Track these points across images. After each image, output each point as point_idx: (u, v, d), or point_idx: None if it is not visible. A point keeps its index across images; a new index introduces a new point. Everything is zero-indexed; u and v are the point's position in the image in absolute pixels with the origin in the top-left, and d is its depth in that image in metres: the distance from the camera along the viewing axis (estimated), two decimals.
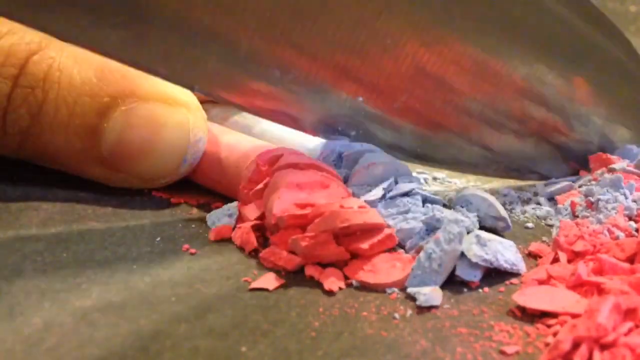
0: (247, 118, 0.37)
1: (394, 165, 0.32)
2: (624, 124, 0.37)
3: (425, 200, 0.31)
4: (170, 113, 0.31)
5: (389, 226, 0.28)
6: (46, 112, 0.30)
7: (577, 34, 0.33)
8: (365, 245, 0.26)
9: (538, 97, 0.34)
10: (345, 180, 0.31)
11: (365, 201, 0.30)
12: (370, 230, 0.27)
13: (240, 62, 0.30)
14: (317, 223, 0.26)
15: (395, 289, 0.25)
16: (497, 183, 0.39)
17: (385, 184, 0.31)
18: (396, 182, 0.31)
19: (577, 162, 0.37)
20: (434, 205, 0.30)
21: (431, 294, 0.24)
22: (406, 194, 0.31)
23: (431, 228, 0.28)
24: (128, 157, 0.31)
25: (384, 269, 0.26)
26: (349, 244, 0.26)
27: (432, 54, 0.31)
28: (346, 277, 0.26)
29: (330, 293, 0.25)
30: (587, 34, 0.34)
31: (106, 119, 0.30)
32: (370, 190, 0.31)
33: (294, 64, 0.30)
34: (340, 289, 0.25)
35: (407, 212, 0.29)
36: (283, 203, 0.26)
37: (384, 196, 0.30)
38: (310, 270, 0.26)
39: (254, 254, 0.28)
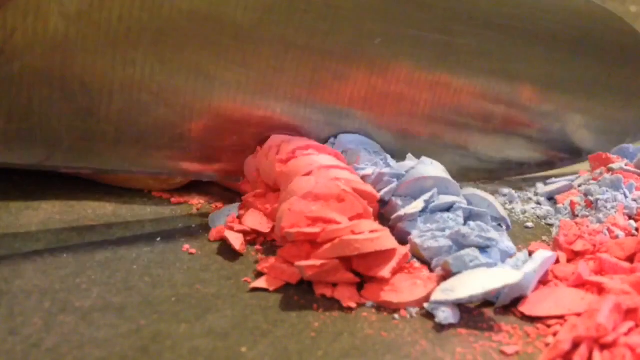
0: None
1: (444, 182, 0.31)
2: (577, 110, 0.39)
3: (470, 214, 0.30)
4: None
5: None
6: None
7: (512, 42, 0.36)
8: (386, 274, 0.25)
9: (495, 98, 0.37)
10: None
11: (405, 214, 0.29)
12: (383, 253, 0.26)
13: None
14: (327, 250, 0.25)
15: (417, 308, 0.25)
16: (497, 183, 0.40)
17: (426, 196, 0.30)
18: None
19: (548, 149, 0.40)
20: (477, 222, 0.28)
21: (450, 312, 0.24)
22: (448, 209, 0.30)
23: (460, 245, 0.27)
24: None
25: (405, 288, 0.25)
26: (364, 268, 0.25)
27: (384, 78, 0.34)
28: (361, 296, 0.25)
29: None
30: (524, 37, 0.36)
31: None
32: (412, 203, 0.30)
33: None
34: (357, 305, 0.25)
35: (444, 229, 0.28)
36: (293, 216, 0.26)
37: (425, 209, 0.30)
38: (320, 289, 0.25)
39: (254, 254, 0.28)
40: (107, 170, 0.31)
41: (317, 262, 0.25)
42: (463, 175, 0.38)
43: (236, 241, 0.28)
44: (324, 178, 0.28)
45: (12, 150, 0.29)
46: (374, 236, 0.25)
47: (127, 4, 0.28)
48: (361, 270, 0.25)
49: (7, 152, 0.28)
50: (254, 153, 0.32)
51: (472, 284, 0.24)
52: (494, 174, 0.40)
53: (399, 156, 0.35)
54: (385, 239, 0.25)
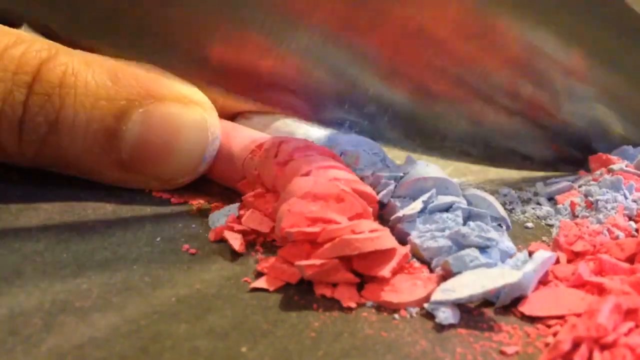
0: (288, 125, 0.37)
1: (443, 182, 0.31)
2: (613, 107, 0.37)
3: (470, 214, 0.30)
4: (187, 112, 0.31)
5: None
6: (64, 118, 0.30)
7: (583, 5, 0.32)
8: (386, 273, 0.25)
9: (532, 73, 0.34)
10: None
11: (403, 215, 0.29)
12: (383, 253, 0.26)
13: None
14: (327, 249, 0.25)
15: (417, 308, 0.25)
16: (497, 182, 0.39)
17: (425, 197, 0.30)
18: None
19: (559, 145, 0.38)
20: (477, 222, 0.28)
21: (450, 312, 0.24)
22: (447, 209, 0.30)
23: (459, 245, 0.27)
24: (148, 159, 0.31)
25: (405, 288, 0.25)
26: (364, 268, 0.25)
27: (433, 15, 0.30)
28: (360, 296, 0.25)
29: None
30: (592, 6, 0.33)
31: (124, 122, 0.30)
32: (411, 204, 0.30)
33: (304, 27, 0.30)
34: (357, 305, 0.25)
35: (444, 229, 0.28)
36: (293, 216, 0.26)
37: (424, 209, 0.30)
38: (320, 290, 0.25)
39: (254, 254, 0.28)
40: (123, 56, 0.30)
41: (317, 262, 0.25)
42: (464, 154, 0.37)
43: (235, 241, 0.28)
44: (323, 178, 0.28)
45: (41, 8, 0.28)
46: (374, 235, 0.25)
47: None
48: (361, 270, 0.25)
49: (35, 8, 0.27)
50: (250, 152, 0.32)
51: (472, 283, 0.24)
52: (494, 162, 0.38)
53: (410, 124, 0.33)
54: (385, 238, 0.25)
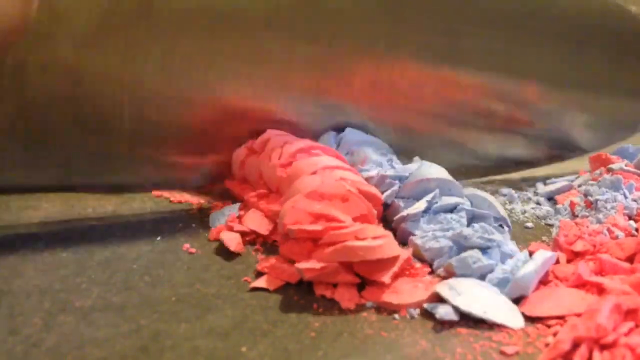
0: None
1: (447, 183, 0.31)
2: (581, 108, 0.40)
3: (473, 215, 0.30)
4: None
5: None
6: None
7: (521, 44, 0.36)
8: (387, 279, 0.25)
9: (499, 95, 0.37)
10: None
11: (407, 215, 0.29)
12: (385, 260, 0.25)
13: None
14: (328, 253, 0.25)
15: (418, 309, 0.25)
16: (497, 182, 0.40)
17: (429, 197, 0.30)
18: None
19: (549, 147, 0.40)
20: (481, 224, 0.28)
21: (450, 308, 0.24)
22: (451, 210, 0.30)
23: (460, 246, 0.27)
24: None
25: (406, 290, 0.25)
26: (365, 272, 0.25)
27: (389, 75, 0.34)
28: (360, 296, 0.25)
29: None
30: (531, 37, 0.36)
31: None
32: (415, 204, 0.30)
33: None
34: (356, 305, 0.25)
35: (448, 230, 0.28)
36: (296, 213, 0.26)
37: (428, 209, 0.30)
38: (320, 290, 0.25)
39: (254, 254, 0.28)
40: (123, 187, 0.32)
41: (317, 265, 0.24)
42: (459, 172, 0.38)
43: (232, 242, 0.28)
44: (330, 178, 0.28)
45: (31, 174, 0.29)
46: (376, 243, 0.25)
47: (133, 25, 0.29)
48: (362, 273, 0.25)
49: (26, 176, 0.29)
50: (242, 147, 0.33)
51: (476, 300, 0.24)
52: (490, 172, 0.40)
53: (400, 152, 0.35)
54: (388, 247, 0.25)
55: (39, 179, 0.29)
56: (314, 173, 0.28)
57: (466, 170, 0.39)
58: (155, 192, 0.34)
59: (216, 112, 0.31)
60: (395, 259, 0.25)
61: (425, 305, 0.24)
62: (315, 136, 0.34)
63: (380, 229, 0.26)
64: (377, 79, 0.34)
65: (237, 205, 0.31)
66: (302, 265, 0.25)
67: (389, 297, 0.25)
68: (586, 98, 0.39)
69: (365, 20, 0.32)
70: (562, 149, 0.41)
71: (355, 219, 0.26)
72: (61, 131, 0.29)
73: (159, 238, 0.29)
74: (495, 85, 0.36)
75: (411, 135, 0.36)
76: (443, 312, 0.24)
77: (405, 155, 0.35)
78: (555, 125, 0.39)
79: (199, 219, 0.31)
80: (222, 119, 0.32)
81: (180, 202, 0.33)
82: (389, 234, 0.26)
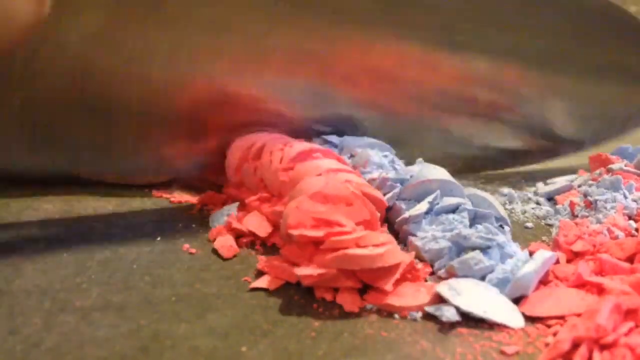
0: None
1: (448, 184, 0.31)
2: (559, 97, 0.40)
3: (475, 215, 0.30)
4: None
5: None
6: None
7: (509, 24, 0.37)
8: (389, 287, 0.25)
9: (480, 81, 0.38)
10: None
11: (409, 216, 0.29)
12: (387, 267, 0.25)
13: None
14: (329, 260, 0.25)
15: (420, 312, 0.24)
16: (497, 182, 0.40)
17: (430, 198, 0.30)
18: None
19: (525, 136, 0.41)
20: (484, 224, 0.28)
21: (453, 310, 0.24)
22: (453, 210, 0.30)
23: (460, 247, 0.27)
24: None
25: (408, 294, 0.25)
26: (367, 278, 0.25)
27: (373, 58, 0.34)
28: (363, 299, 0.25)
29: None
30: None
31: None
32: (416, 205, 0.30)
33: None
34: (359, 308, 0.25)
35: (451, 230, 0.28)
36: (300, 214, 0.26)
37: (430, 210, 0.30)
38: (320, 293, 0.25)
39: (254, 253, 0.28)
40: (127, 178, 0.32)
41: (316, 272, 0.24)
42: (445, 162, 0.38)
43: (224, 249, 0.28)
44: (334, 180, 0.28)
45: (38, 161, 0.29)
46: (377, 252, 0.25)
47: (141, 21, 0.29)
48: (364, 279, 0.25)
49: (33, 162, 0.29)
50: (234, 153, 0.33)
51: (476, 300, 0.24)
52: (475, 163, 0.41)
53: (387, 139, 0.36)
54: (389, 255, 0.25)
55: (45, 168, 0.29)
56: (319, 176, 0.28)
57: (451, 160, 0.39)
58: (155, 192, 0.34)
59: (216, 100, 0.32)
60: (397, 266, 0.25)
61: (427, 308, 0.24)
62: (302, 127, 0.34)
63: (382, 236, 0.26)
64: (364, 64, 0.34)
65: (237, 205, 0.31)
66: (301, 271, 0.25)
67: (391, 299, 0.25)
68: (565, 86, 0.40)
69: (351, 3, 0.33)
70: (546, 139, 0.41)
71: (358, 224, 0.26)
72: (69, 122, 0.30)
73: (159, 238, 0.29)
74: (478, 71, 0.37)
75: (397, 122, 0.37)
76: (448, 314, 0.24)
77: (392, 143, 0.36)
78: (536, 112, 0.40)
79: (199, 219, 0.31)
80: (220, 107, 0.32)
81: (180, 202, 0.33)
82: (392, 240, 0.26)
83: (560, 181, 0.38)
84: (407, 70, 0.36)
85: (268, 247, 0.29)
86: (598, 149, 0.42)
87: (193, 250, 0.28)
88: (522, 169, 0.43)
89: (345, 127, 0.37)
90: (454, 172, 0.38)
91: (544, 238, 0.32)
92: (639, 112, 0.43)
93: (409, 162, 0.35)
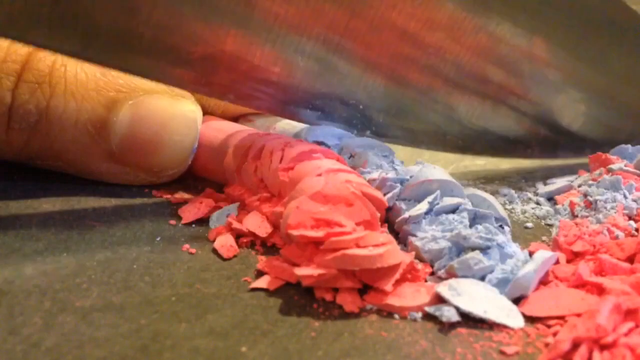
0: (294, 126, 0.37)
1: (448, 184, 0.31)
2: (578, 87, 0.39)
3: (475, 215, 0.29)
4: (176, 104, 0.32)
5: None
6: (55, 106, 0.30)
7: None
8: (388, 287, 0.25)
9: (499, 59, 0.36)
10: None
11: (409, 216, 0.29)
12: (387, 268, 0.25)
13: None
14: (328, 260, 0.24)
15: (420, 313, 0.24)
16: (497, 182, 0.40)
17: (430, 198, 0.30)
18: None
19: (530, 124, 0.40)
20: (485, 225, 0.28)
21: (453, 310, 0.24)
22: (453, 211, 0.30)
23: (460, 247, 0.27)
24: (138, 150, 0.32)
25: (408, 294, 0.25)
26: (366, 278, 0.25)
27: (402, 10, 0.32)
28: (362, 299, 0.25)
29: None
30: None
31: (115, 112, 0.31)
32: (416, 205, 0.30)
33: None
34: (359, 308, 0.25)
35: (451, 230, 0.28)
36: (300, 214, 0.26)
37: (430, 211, 0.29)
38: (320, 293, 0.25)
39: (254, 254, 0.28)
40: (135, 73, 0.30)
41: (315, 272, 0.24)
42: (441, 141, 0.38)
43: (224, 249, 0.28)
44: (335, 180, 0.28)
45: (54, 36, 0.28)
46: (377, 252, 0.25)
47: None
48: (364, 279, 0.25)
49: (49, 37, 0.28)
50: (230, 155, 0.33)
51: (476, 300, 0.24)
52: (468, 146, 0.40)
53: (388, 109, 0.35)
54: (389, 255, 0.25)
55: (60, 43, 0.29)
56: (319, 176, 0.28)
57: (447, 140, 0.38)
58: (155, 192, 0.34)
59: (238, 43, 0.30)
60: (397, 266, 0.25)
61: (427, 309, 0.24)
62: (295, 101, 0.33)
63: (383, 236, 0.26)
64: (389, 22, 0.32)
65: (237, 205, 0.31)
66: (301, 271, 0.25)
67: (391, 300, 0.25)
68: (595, 84, 0.39)
69: None
70: (553, 133, 0.40)
71: (358, 224, 0.26)
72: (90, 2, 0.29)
73: (159, 238, 0.29)
74: (501, 49, 0.35)
75: (403, 89, 0.35)
76: (449, 314, 0.24)
77: (393, 114, 0.35)
78: (547, 102, 0.39)
79: (199, 219, 0.31)
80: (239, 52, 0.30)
81: (180, 202, 0.33)
82: (392, 240, 0.26)
83: (560, 181, 0.38)
84: (432, 35, 0.33)
85: (268, 247, 0.29)
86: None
87: (193, 250, 0.28)
88: (521, 169, 0.43)
89: (347, 91, 0.34)
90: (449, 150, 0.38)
91: (544, 238, 0.32)
92: None
93: (409, 140, 0.35)
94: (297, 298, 0.25)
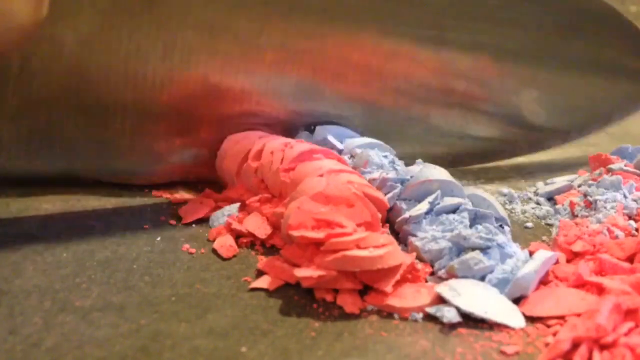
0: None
1: (448, 185, 0.31)
2: (534, 85, 0.42)
3: (476, 215, 0.30)
4: None
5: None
6: None
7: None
8: (389, 289, 0.25)
9: (460, 72, 0.39)
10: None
11: (410, 216, 0.29)
12: (387, 269, 0.25)
13: None
14: (329, 261, 0.24)
15: (421, 313, 0.24)
16: (497, 182, 0.40)
17: (431, 198, 0.30)
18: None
19: (500, 124, 0.42)
20: (485, 225, 0.28)
21: (454, 311, 0.24)
22: (453, 211, 0.30)
23: (460, 247, 0.27)
24: None
25: (409, 294, 0.25)
26: (367, 279, 0.25)
27: (353, 49, 0.36)
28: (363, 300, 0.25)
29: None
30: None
31: None
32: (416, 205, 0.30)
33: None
34: (360, 309, 0.24)
35: (452, 230, 0.28)
36: (301, 215, 0.26)
37: (430, 211, 0.30)
38: (320, 294, 0.25)
39: (254, 254, 0.28)
40: (124, 177, 0.32)
41: (315, 274, 0.24)
42: (426, 153, 0.39)
43: (224, 249, 0.28)
44: (336, 181, 0.28)
45: (35, 162, 0.30)
46: (377, 253, 0.25)
47: (136, 22, 0.29)
48: (364, 280, 0.25)
49: (30, 164, 0.29)
50: (222, 156, 0.33)
51: (476, 300, 0.24)
52: (457, 157, 0.42)
53: (369, 130, 0.37)
54: (389, 256, 0.25)
55: (44, 168, 0.30)
56: (320, 176, 0.28)
57: (431, 150, 0.41)
58: (155, 192, 0.34)
59: (209, 95, 0.33)
60: (397, 267, 0.25)
61: (428, 309, 0.24)
62: (289, 120, 0.36)
63: (383, 237, 0.25)
64: (354, 60, 0.36)
65: (237, 205, 0.31)
66: (300, 273, 0.24)
67: (392, 300, 0.25)
68: (551, 79, 0.41)
69: (340, 1, 0.34)
70: (525, 129, 0.43)
71: (359, 225, 0.26)
72: (65, 122, 0.30)
73: (159, 238, 0.29)
74: (461, 64, 0.38)
75: (378, 113, 0.38)
76: (449, 315, 0.24)
77: (377, 137, 0.37)
78: (511, 102, 0.41)
79: (199, 219, 0.31)
80: (213, 101, 0.33)
81: (180, 202, 0.33)
82: (393, 241, 0.26)
83: (560, 181, 0.38)
84: (395, 65, 0.37)
85: (267, 247, 0.29)
86: (588, 140, 0.44)
87: (193, 250, 0.28)
88: (522, 169, 0.43)
89: (331, 119, 0.38)
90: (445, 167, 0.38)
91: (544, 238, 0.32)
92: (623, 103, 0.44)
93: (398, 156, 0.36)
94: (297, 298, 0.25)
